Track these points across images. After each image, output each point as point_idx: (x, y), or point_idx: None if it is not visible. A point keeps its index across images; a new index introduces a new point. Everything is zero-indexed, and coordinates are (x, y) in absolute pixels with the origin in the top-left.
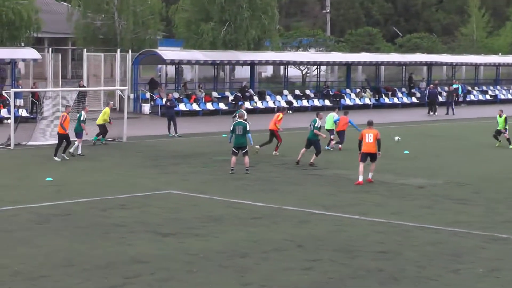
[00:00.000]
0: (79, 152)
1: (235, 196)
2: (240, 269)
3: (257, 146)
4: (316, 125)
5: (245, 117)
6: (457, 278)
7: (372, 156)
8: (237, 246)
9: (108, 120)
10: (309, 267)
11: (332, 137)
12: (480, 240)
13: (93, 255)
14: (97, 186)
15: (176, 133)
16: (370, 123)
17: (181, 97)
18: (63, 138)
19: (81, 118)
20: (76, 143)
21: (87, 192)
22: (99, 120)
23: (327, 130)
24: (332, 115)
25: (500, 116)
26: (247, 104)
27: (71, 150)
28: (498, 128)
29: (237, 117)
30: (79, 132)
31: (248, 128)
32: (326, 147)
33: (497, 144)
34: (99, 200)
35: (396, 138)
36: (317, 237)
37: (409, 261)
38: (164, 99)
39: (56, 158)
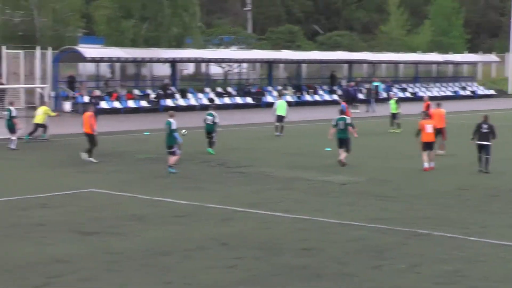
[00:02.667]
0: (14, 147)
1: (158, 194)
2: (162, 268)
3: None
4: (348, 122)
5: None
6: (379, 274)
7: (432, 146)
8: (159, 245)
9: (54, 114)
10: (232, 265)
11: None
12: (402, 236)
13: (13, 255)
14: (17, 185)
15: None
16: (427, 114)
17: (102, 95)
18: None
19: (12, 114)
20: (13, 138)
21: (7, 191)
22: (41, 119)
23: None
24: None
25: None
26: (168, 102)
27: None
28: None
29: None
30: (12, 128)
31: (173, 127)
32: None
33: None
34: (19, 199)
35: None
36: (241, 235)
37: (332, 258)
38: (86, 97)
39: None
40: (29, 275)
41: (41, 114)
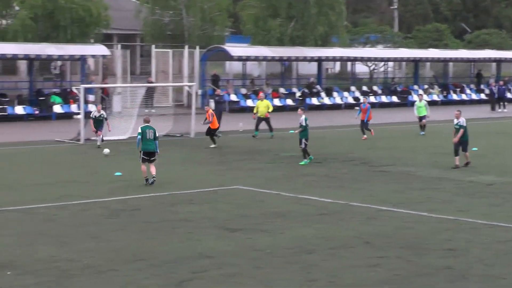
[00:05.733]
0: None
1: (302, 192)
2: (306, 266)
3: None
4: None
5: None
6: None
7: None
8: (304, 242)
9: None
10: (376, 264)
11: None
12: None
13: (161, 250)
14: (165, 181)
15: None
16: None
17: (248, 93)
18: None
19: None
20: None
21: (156, 187)
22: (264, 113)
23: None
24: None
25: None
26: (314, 101)
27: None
28: None
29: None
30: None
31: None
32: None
33: None
34: (167, 195)
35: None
36: (385, 234)
37: (478, 259)
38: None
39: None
40: (176, 269)
41: (263, 107)
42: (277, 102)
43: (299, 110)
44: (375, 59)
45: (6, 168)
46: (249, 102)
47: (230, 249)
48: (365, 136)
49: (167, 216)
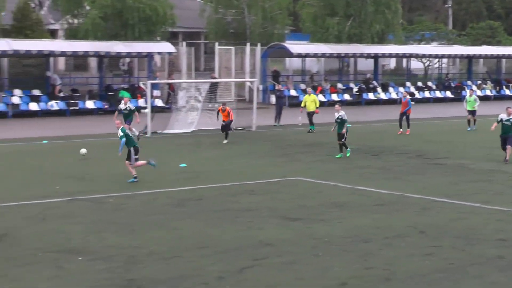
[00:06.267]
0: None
1: (359, 183)
2: (363, 254)
3: None
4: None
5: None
6: None
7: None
8: (360, 232)
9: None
10: (430, 253)
11: None
12: None
13: (224, 238)
14: (227, 172)
15: (279, 123)
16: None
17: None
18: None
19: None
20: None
21: (219, 178)
22: (313, 108)
23: None
24: None
25: None
26: (370, 96)
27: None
28: None
29: None
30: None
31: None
32: None
33: None
34: (229, 185)
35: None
36: (439, 224)
37: None
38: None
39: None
40: (238, 256)
41: (310, 102)
42: (335, 97)
43: (336, 106)
44: (430, 56)
45: (77, 159)
46: None
47: (290, 238)
48: (401, 130)
49: (230, 206)
